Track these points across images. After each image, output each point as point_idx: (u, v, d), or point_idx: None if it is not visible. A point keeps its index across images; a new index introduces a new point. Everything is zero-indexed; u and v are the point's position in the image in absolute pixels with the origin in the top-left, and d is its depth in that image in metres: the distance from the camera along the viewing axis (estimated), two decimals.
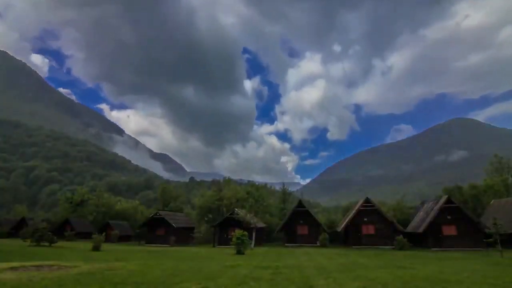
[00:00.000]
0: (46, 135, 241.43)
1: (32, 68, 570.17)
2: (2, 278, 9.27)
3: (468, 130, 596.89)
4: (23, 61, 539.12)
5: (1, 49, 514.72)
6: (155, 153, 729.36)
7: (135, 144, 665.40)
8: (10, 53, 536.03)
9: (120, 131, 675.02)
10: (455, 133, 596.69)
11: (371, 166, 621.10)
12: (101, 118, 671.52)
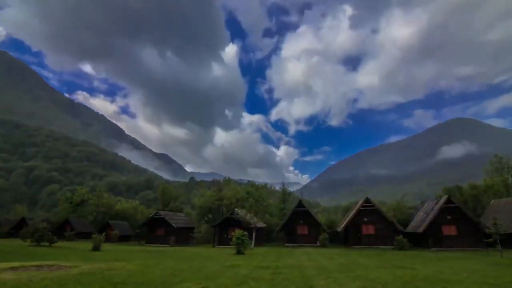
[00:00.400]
0: (46, 135, 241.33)
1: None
2: (2, 278, 9.27)
3: (468, 130, 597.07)
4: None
5: (1, 50, 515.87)
6: (155, 153, 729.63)
7: (135, 144, 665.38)
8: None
9: (120, 131, 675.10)
10: (455, 133, 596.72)
11: (371, 166, 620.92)
12: (102, 118, 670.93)
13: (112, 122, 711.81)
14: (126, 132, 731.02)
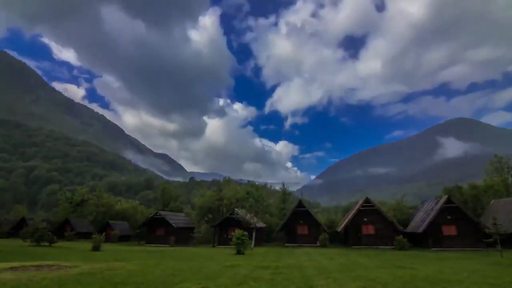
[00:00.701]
0: (46, 135, 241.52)
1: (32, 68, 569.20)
2: (2, 278, 9.26)
3: (468, 130, 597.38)
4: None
5: (1, 50, 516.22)
6: (155, 153, 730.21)
7: (135, 144, 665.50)
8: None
9: (120, 131, 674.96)
10: (455, 132, 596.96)
11: (371, 166, 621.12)
12: (102, 118, 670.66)
13: (112, 122, 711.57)
14: (126, 132, 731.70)
